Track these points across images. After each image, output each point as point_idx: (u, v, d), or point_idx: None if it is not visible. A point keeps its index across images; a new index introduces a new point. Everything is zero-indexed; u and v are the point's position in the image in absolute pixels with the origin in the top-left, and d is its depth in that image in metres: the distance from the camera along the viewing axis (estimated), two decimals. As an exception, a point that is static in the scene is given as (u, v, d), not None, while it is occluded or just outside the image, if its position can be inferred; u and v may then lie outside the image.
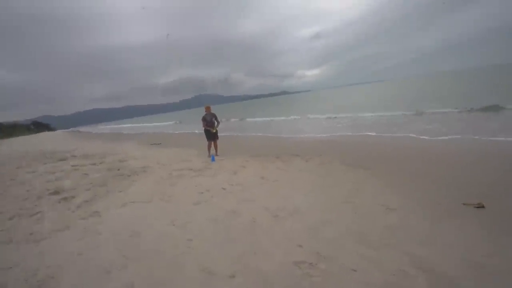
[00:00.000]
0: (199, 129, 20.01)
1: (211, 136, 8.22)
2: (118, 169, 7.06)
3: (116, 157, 9.58)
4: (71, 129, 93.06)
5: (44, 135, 49.67)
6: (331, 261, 2.45)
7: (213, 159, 7.43)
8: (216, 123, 8.25)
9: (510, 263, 2.22)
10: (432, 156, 5.81)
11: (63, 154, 11.82)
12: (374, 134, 9.67)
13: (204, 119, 8.19)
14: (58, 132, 65.50)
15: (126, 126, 49.21)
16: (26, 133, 75.29)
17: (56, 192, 5.37)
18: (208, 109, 8.32)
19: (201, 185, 5.08)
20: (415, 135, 8.41)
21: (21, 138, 44.27)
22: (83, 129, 69.86)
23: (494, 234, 2.67)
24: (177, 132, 21.64)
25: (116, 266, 2.67)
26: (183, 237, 3.16)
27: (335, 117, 16.57)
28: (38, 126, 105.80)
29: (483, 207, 3.29)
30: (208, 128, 8.16)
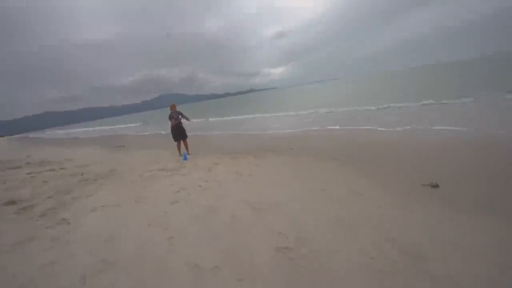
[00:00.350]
0: (166, 129, 19.46)
1: (178, 136, 8.07)
2: (82, 174, 6.63)
3: (78, 162, 8.95)
4: (19, 135, 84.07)
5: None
6: (311, 244, 2.60)
7: (185, 158, 7.31)
8: (184, 119, 8.13)
9: (456, 231, 2.56)
10: (391, 145, 6.33)
11: (13, 162, 10.72)
12: (338, 127, 10.22)
13: (170, 117, 8.00)
14: (4, 139, 58.86)
15: (85, 130, 45.73)
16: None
17: (11, 202, 4.90)
18: (173, 107, 8.15)
19: (176, 184, 4.99)
20: (375, 127, 9.05)
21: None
22: (34, 134, 63.52)
23: (447, 209, 3.04)
24: (143, 133, 20.71)
25: (94, 271, 2.56)
26: (164, 236, 3.11)
27: (302, 113, 17.13)
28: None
29: (438, 186, 3.71)
30: (178, 124, 7.98)
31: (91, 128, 47.13)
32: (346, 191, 3.87)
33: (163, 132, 18.72)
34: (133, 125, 36.24)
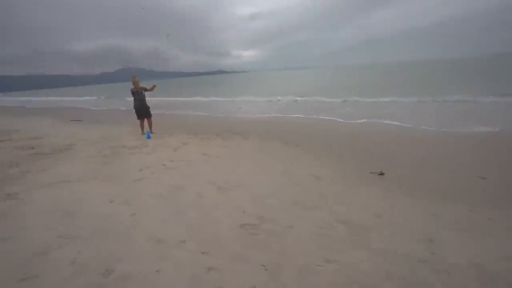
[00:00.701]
0: (126, 105, 18.36)
1: (142, 113, 7.74)
2: (33, 148, 6.11)
3: (27, 134, 8.18)
4: None
5: None
6: (272, 222, 2.82)
7: (148, 137, 7.10)
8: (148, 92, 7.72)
9: (397, 212, 2.97)
10: (348, 136, 6.83)
11: None
12: (302, 116, 10.64)
13: (133, 93, 7.54)
14: None
15: (35, 99, 41.00)
16: None
17: None
18: (135, 83, 7.50)
19: (139, 162, 4.89)
20: (335, 118, 9.60)
21: None
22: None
23: (389, 193, 3.48)
24: (102, 108, 19.33)
25: (53, 246, 2.51)
26: (126, 212, 3.11)
27: (270, 100, 17.35)
28: None
29: (383, 174, 4.17)
30: (142, 102, 7.60)
31: (39, 98, 42.52)
32: (306, 175, 4.17)
33: (122, 108, 17.70)
34: (90, 98, 33.47)
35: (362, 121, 8.86)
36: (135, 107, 7.68)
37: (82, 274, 2.13)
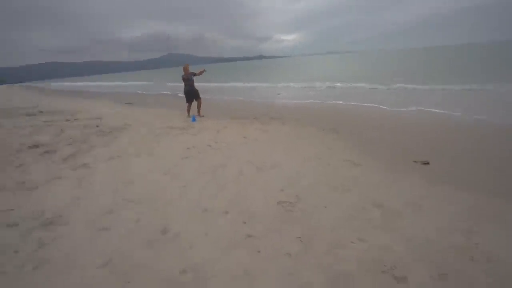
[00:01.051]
0: (171, 90, 19.51)
1: (191, 96, 8.26)
2: (97, 126, 6.99)
3: (89, 114, 9.29)
4: (20, 84, 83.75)
5: (-7, 89, 44.52)
6: (307, 201, 2.99)
7: (193, 119, 7.60)
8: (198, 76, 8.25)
9: (436, 202, 2.92)
10: (391, 124, 6.55)
11: (26, 109, 11.09)
12: (342, 102, 10.34)
13: (184, 79, 8.14)
14: (2, 87, 58.84)
15: (91, 83, 45.48)
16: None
17: (34, 146, 5.32)
18: (186, 69, 8.13)
19: (186, 142, 5.35)
20: (378, 105, 9.17)
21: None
22: (37, 84, 63.35)
23: (431, 182, 3.38)
24: (152, 92, 20.80)
25: (117, 206, 3.00)
26: (176, 184, 3.52)
27: (309, 86, 17.01)
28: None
29: (428, 163, 4.03)
30: (191, 87, 8.13)
31: (98, 83, 46.90)
32: (341, 160, 4.20)
33: (168, 92, 18.82)
34: (141, 83, 35.97)
35: (406, 109, 8.36)
36: (184, 91, 8.24)
37: (144, 230, 2.55)
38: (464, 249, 2.16)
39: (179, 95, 16.96)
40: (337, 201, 2.97)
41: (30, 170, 4.19)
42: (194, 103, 8.39)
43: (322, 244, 2.27)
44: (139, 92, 21.81)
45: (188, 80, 8.08)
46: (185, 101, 8.38)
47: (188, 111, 8.40)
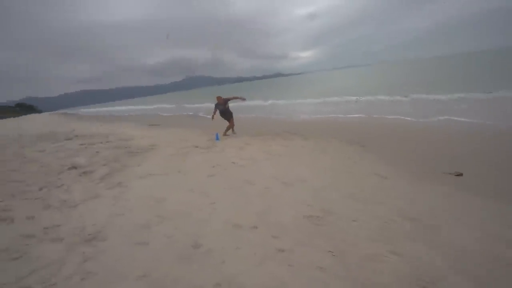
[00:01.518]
0: (194, 111, 20.29)
1: (226, 117, 8.55)
2: (126, 147, 7.41)
3: (119, 136, 9.86)
4: (57, 111, 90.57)
5: (33, 116, 48.45)
6: (335, 215, 2.99)
7: (217, 138, 7.84)
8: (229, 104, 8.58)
9: (468, 212, 2.80)
10: (417, 135, 6.39)
11: (64, 134, 11.98)
12: (364, 115, 10.22)
13: (217, 108, 8.47)
14: (45, 114, 63.83)
15: (119, 108, 48.29)
16: (12, 115, 73.16)
17: (73, 167, 5.73)
18: (219, 99, 8.47)
19: (211, 160, 5.53)
20: (402, 117, 8.97)
21: (9, 120, 43.16)
22: (71, 111, 68.18)
23: (459, 192, 3.25)
24: (176, 113, 21.72)
25: (153, 223, 3.15)
26: (205, 201, 3.64)
27: (328, 100, 17.01)
28: (23, 108, 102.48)
29: (461, 175, 3.88)
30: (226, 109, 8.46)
31: (124, 107, 49.66)
32: (368, 173, 4.15)
33: (190, 113, 19.54)
34: (163, 105, 37.67)
35: (430, 119, 8.12)
36: (220, 113, 8.56)
37: (177, 245, 2.66)
38: (507, 260, 2.06)
39: (200, 114, 17.57)
40: (366, 214, 2.94)
41: (71, 190, 4.52)
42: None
43: (354, 257, 2.25)
44: (161, 114, 22.85)
45: (219, 105, 8.43)
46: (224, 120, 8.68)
47: (227, 129, 8.61)
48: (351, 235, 2.58)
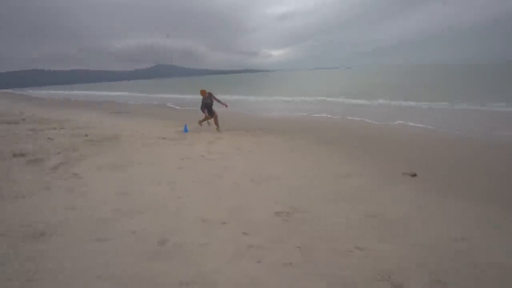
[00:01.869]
0: (158, 101, 19.39)
1: (210, 111, 8.22)
2: (86, 135, 6.83)
3: (76, 123, 9.07)
4: (1, 90, 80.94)
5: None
6: (303, 212, 3.04)
7: (185, 130, 7.59)
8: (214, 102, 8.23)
9: (428, 211, 3.04)
10: (380, 137, 6.81)
11: (10, 116, 10.70)
12: (330, 115, 10.65)
13: (204, 105, 8.06)
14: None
15: (80, 93, 44.43)
16: None
17: (21, 155, 5.12)
18: (203, 92, 8.15)
19: (180, 153, 5.33)
20: (364, 119, 9.49)
21: None
22: (19, 91, 61.26)
23: (419, 193, 3.53)
24: (137, 102, 20.59)
25: (114, 217, 2.93)
26: (173, 195, 3.49)
27: (297, 99, 17.39)
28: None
29: (415, 175, 4.20)
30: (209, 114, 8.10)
31: (85, 92, 45.97)
32: (334, 172, 4.32)
33: (155, 102, 18.73)
34: (129, 93, 35.43)
35: (390, 123, 8.71)
36: (205, 106, 8.14)
37: (143, 242, 2.50)
38: (463, 255, 2.26)
39: (168, 105, 16.89)
40: (333, 212, 3.04)
41: (17, 179, 4.03)
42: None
43: (321, 253, 2.31)
44: (127, 102, 21.54)
45: (209, 99, 8.11)
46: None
47: (206, 119, 8.27)
48: (319, 231, 2.65)
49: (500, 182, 3.82)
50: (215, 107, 8.36)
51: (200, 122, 8.34)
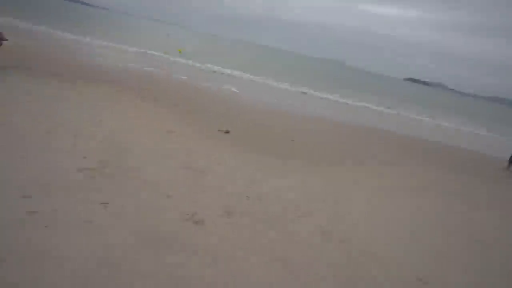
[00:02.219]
0: None
1: None
2: None
3: None
4: None
5: None
6: (113, 165, 2.83)
7: None
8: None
9: (233, 161, 3.71)
10: (197, 96, 7.40)
11: None
12: (153, 69, 10.27)
13: None
14: None
15: None
16: None
17: None
18: None
19: None
20: (182, 77, 9.99)
21: None
22: None
23: (235, 147, 4.21)
24: None
25: None
26: None
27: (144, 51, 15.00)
28: None
29: (228, 132, 4.92)
30: None
31: None
32: (159, 129, 4.27)
33: None
34: None
35: (208, 84, 9.62)
36: None
37: None
38: (252, 190, 2.95)
39: None
40: (151, 164, 3.04)
41: None
42: None
43: (131, 207, 2.26)
44: None
45: None
46: None
47: None
48: (130, 186, 2.56)
49: (280, 141, 5.23)
50: None
51: None
